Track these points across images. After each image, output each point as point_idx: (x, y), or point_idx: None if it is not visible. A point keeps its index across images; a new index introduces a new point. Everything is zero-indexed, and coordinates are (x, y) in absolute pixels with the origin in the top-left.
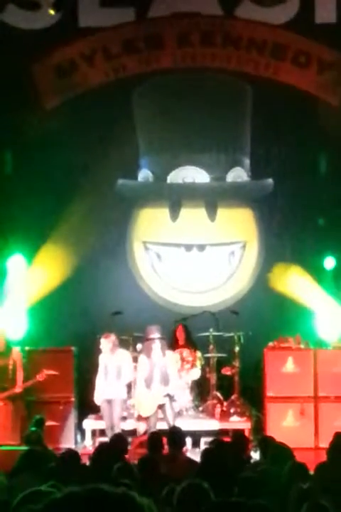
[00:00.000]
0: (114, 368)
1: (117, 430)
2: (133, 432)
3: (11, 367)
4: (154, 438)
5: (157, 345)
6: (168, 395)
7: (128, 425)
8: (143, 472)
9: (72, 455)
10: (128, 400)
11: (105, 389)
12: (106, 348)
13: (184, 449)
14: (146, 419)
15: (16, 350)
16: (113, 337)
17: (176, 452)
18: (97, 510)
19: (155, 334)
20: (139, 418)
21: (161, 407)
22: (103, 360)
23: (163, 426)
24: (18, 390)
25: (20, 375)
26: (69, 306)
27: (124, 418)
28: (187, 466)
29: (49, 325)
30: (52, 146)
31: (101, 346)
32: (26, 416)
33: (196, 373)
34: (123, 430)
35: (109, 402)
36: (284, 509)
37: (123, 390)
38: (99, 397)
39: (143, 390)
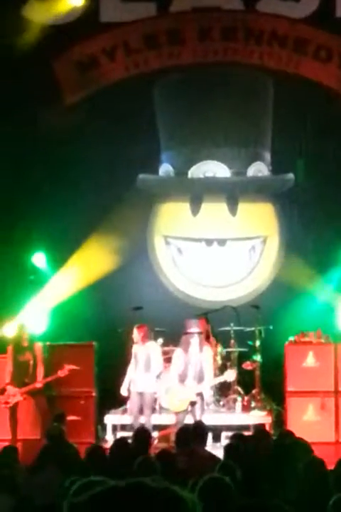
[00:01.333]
0: (143, 359)
1: (148, 425)
2: (159, 426)
3: (31, 362)
4: (182, 433)
5: (195, 340)
6: (200, 394)
7: (155, 419)
8: (161, 466)
9: (97, 450)
10: (156, 395)
11: (135, 380)
12: (137, 339)
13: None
14: (176, 413)
15: (38, 345)
16: (145, 328)
17: (198, 447)
18: (140, 504)
19: (193, 328)
20: (168, 411)
21: (192, 404)
22: (134, 350)
23: (190, 421)
24: (38, 385)
25: (40, 370)
26: (90, 301)
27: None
28: (209, 462)
29: (70, 320)
30: (73, 141)
31: (133, 336)
32: (47, 411)
33: (231, 375)
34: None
35: (140, 394)
36: (302, 504)
37: (154, 382)
38: (124, 388)
39: (176, 385)
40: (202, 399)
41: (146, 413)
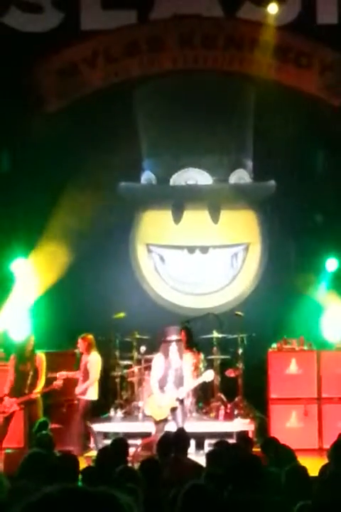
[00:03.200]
0: (83, 369)
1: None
2: (142, 434)
3: (31, 373)
4: (164, 441)
5: (174, 348)
6: (181, 400)
7: (138, 427)
8: (145, 475)
9: (70, 458)
10: (140, 402)
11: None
12: (81, 349)
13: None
14: (156, 422)
15: (39, 356)
16: (89, 338)
17: (180, 456)
18: (75, 510)
19: (173, 336)
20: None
21: (173, 410)
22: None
23: (172, 428)
24: (33, 396)
25: (40, 381)
26: (72, 309)
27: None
28: (192, 470)
29: (52, 328)
30: (55, 148)
31: (78, 346)
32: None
33: (209, 375)
34: (127, 433)
35: (79, 400)
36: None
37: (86, 390)
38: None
39: (157, 392)
40: (182, 404)
41: (76, 417)
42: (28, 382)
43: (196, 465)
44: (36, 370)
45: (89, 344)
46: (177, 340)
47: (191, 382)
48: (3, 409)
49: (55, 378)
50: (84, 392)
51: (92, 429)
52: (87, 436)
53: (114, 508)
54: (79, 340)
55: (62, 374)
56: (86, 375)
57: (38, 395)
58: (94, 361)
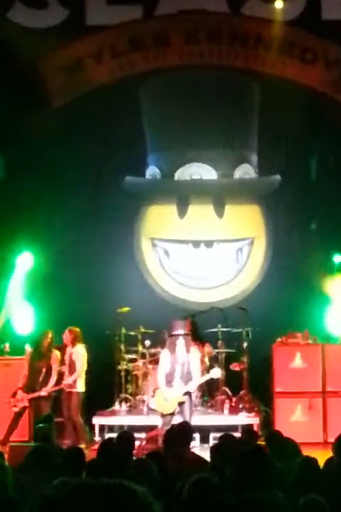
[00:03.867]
0: (68, 362)
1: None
2: (147, 427)
3: (44, 370)
4: (169, 434)
5: (181, 342)
6: (189, 393)
7: (143, 420)
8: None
9: (77, 451)
10: (145, 396)
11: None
12: (67, 341)
13: (190, 445)
14: (163, 415)
15: (55, 353)
16: (75, 331)
17: (182, 449)
18: (95, 502)
19: (179, 330)
20: (156, 412)
21: (181, 404)
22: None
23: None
24: (43, 393)
25: (52, 379)
26: (76, 303)
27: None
28: (197, 464)
29: (56, 322)
30: (60, 144)
31: (64, 338)
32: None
33: (217, 373)
34: (132, 426)
35: (68, 393)
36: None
37: (74, 382)
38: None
39: (164, 386)
40: (190, 399)
41: (71, 411)
42: (40, 379)
43: (199, 459)
44: (49, 367)
45: (75, 337)
46: (184, 335)
47: (199, 378)
48: (14, 404)
49: (63, 373)
50: (73, 385)
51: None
52: (91, 429)
53: (131, 498)
54: (66, 332)
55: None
56: (72, 367)
57: (47, 393)
58: (79, 353)
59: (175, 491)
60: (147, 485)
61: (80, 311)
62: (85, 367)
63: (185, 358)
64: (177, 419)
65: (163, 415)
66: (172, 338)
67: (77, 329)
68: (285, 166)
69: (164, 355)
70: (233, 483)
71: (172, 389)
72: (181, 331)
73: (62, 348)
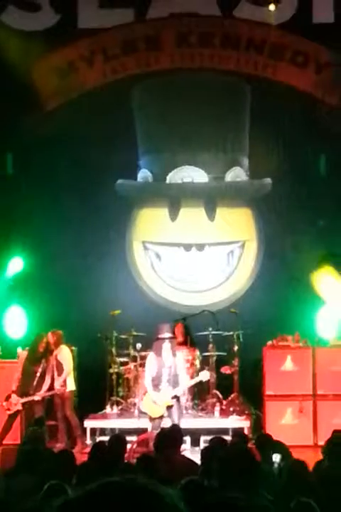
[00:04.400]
0: (55, 364)
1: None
2: (138, 430)
3: (38, 374)
4: (160, 437)
5: (167, 345)
6: (176, 397)
7: (134, 423)
8: (141, 471)
9: (67, 455)
10: (136, 399)
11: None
12: (51, 342)
13: (181, 448)
14: (152, 419)
15: (51, 358)
16: (58, 333)
17: (173, 452)
18: (123, 503)
19: (165, 333)
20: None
21: (169, 408)
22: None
23: (167, 424)
24: (36, 397)
25: (46, 383)
26: (68, 306)
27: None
28: (185, 466)
29: (49, 325)
30: (52, 147)
31: (49, 340)
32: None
33: (205, 375)
34: (123, 429)
35: (57, 395)
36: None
37: (65, 382)
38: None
39: (152, 390)
40: (179, 402)
41: (67, 413)
42: (34, 383)
43: (189, 462)
44: (43, 371)
45: (58, 338)
46: (170, 338)
47: (188, 381)
48: (8, 407)
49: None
50: (63, 385)
51: (77, 421)
52: (83, 432)
53: (160, 501)
54: (49, 335)
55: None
56: (60, 369)
57: (41, 398)
58: (65, 353)
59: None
60: None
61: (72, 314)
62: (72, 365)
63: (172, 362)
64: (166, 423)
65: (151, 419)
66: (158, 342)
67: (60, 331)
68: (277, 169)
69: (150, 358)
70: (219, 485)
71: (160, 392)
72: (167, 335)
73: (46, 352)
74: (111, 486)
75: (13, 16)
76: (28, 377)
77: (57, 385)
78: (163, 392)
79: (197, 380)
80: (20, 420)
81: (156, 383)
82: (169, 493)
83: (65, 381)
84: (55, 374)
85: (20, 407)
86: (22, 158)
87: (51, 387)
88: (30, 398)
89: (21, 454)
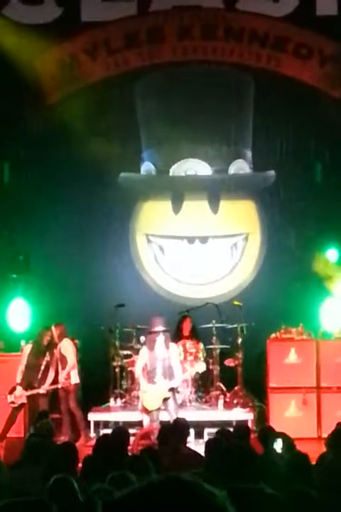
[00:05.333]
0: (58, 357)
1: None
2: (138, 424)
3: (42, 367)
4: (164, 430)
5: (160, 338)
6: (172, 389)
7: (134, 416)
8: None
9: (69, 448)
10: (134, 391)
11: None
12: (54, 336)
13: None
14: (149, 412)
15: (55, 351)
16: (61, 327)
17: (179, 444)
18: (179, 501)
19: (159, 327)
20: (143, 410)
21: (165, 400)
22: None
23: (165, 417)
24: (42, 390)
25: (50, 376)
26: (72, 299)
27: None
28: (191, 459)
29: (53, 318)
30: (55, 140)
31: (53, 334)
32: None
33: (201, 366)
34: (127, 422)
35: (62, 388)
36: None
37: (69, 375)
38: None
39: (146, 383)
40: (174, 394)
41: (72, 406)
42: (39, 376)
43: (195, 454)
44: (48, 364)
45: (61, 332)
46: (164, 331)
47: (182, 375)
48: (13, 400)
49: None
50: (68, 378)
51: (81, 414)
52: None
53: (212, 500)
54: (53, 328)
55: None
56: (64, 362)
57: (45, 391)
58: (67, 346)
59: None
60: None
61: (75, 307)
62: (75, 358)
63: (165, 354)
64: (162, 415)
65: (147, 412)
66: (151, 335)
67: (63, 324)
68: (280, 162)
69: (142, 352)
70: (222, 477)
71: (155, 385)
72: (161, 328)
73: (51, 346)
74: (170, 483)
75: (16, 9)
76: (33, 371)
77: (61, 378)
78: (159, 385)
79: (193, 372)
80: (24, 413)
81: (151, 376)
82: (219, 494)
83: (68, 374)
84: (59, 367)
85: (24, 400)
86: (24, 150)
87: (55, 381)
88: (34, 391)
89: (28, 446)
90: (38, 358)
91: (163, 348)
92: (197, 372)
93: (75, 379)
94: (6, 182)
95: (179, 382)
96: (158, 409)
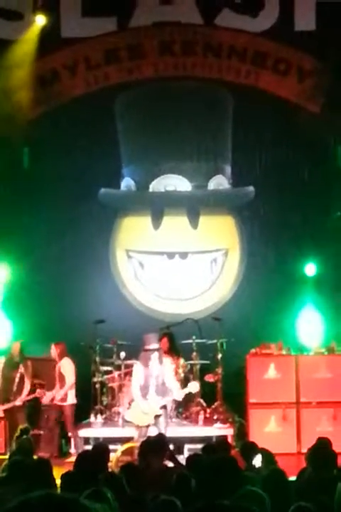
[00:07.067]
0: (57, 375)
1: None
2: (122, 439)
3: (17, 379)
4: (145, 446)
5: (155, 356)
6: (164, 406)
7: (118, 432)
8: (126, 479)
9: (44, 462)
10: (120, 408)
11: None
12: (54, 355)
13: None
14: (138, 427)
15: (28, 363)
16: (61, 345)
17: (155, 460)
18: None
19: (153, 344)
20: (131, 424)
21: (156, 417)
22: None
23: (154, 433)
24: (18, 403)
25: (26, 388)
26: (52, 315)
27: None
28: (160, 475)
29: (32, 333)
30: (35, 155)
31: (51, 352)
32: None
33: (195, 387)
34: (107, 438)
35: (60, 407)
36: None
37: (66, 395)
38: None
39: (139, 399)
40: (166, 411)
41: (68, 426)
42: (14, 388)
43: (167, 470)
44: (22, 376)
45: (61, 351)
46: (158, 349)
47: (178, 393)
48: None
49: (35, 386)
50: (64, 399)
51: (77, 433)
52: (67, 442)
53: None
54: (52, 347)
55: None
56: (62, 381)
57: (22, 403)
58: (67, 365)
59: (146, 501)
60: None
61: (55, 322)
62: (74, 378)
63: (159, 371)
64: (152, 431)
65: (138, 427)
66: (146, 353)
67: (63, 343)
68: (259, 177)
69: (137, 368)
70: (203, 492)
71: (148, 401)
72: (155, 345)
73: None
74: (29, 503)
75: None
76: (8, 384)
77: (58, 396)
78: (151, 401)
79: (186, 391)
80: (6, 430)
81: (144, 393)
82: (98, 509)
83: (66, 394)
84: (57, 386)
85: (1, 414)
86: (3, 165)
87: (32, 392)
88: (11, 404)
89: (6, 465)
90: (12, 371)
91: (157, 364)
92: (191, 393)
93: (72, 399)
94: None
95: (178, 396)
96: (148, 425)
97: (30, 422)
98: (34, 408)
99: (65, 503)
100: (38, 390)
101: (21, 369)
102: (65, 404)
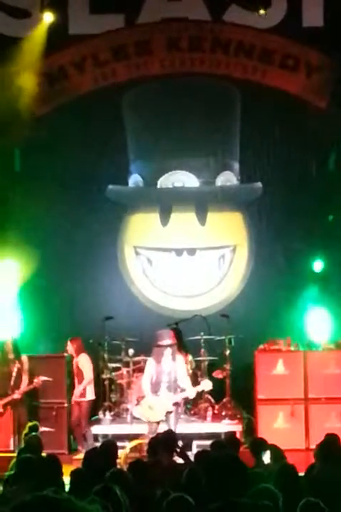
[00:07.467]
0: (76, 372)
1: (88, 433)
2: (131, 436)
3: (14, 374)
4: (154, 443)
5: (168, 352)
6: (176, 403)
7: (127, 429)
8: (133, 476)
9: (53, 460)
10: (128, 404)
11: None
12: (71, 351)
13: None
14: (150, 423)
15: (24, 357)
16: (78, 341)
17: (165, 457)
18: None
19: (166, 340)
20: (140, 421)
21: (168, 413)
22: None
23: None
24: (16, 396)
25: (24, 382)
26: (60, 312)
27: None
28: (169, 472)
29: (41, 330)
30: (43, 152)
31: (67, 349)
32: (27, 422)
33: (208, 385)
34: (116, 435)
35: (78, 404)
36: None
37: (85, 391)
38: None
39: (150, 395)
40: (177, 408)
41: (82, 422)
42: (12, 383)
43: (176, 466)
44: (19, 371)
45: (78, 346)
46: (171, 345)
47: (192, 392)
48: None
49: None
50: (83, 394)
51: (90, 430)
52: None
53: None
54: (69, 343)
55: (43, 378)
56: (80, 377)
57: (21, 395)
58: (84, 361)
59: (155, 498)
60: (123, 492)
61: (64, 319)
62: (92, 374)
63: (172, 367)
64: (162, 428)
65: (149, 423)
66: (159, 349)
67: (79, 339)
68: (267, 173)
69: (149, 364)
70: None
71: (159, 398)
72: (168, 341)
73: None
74: (24, 505)
75: (3, 23)
76: (5, 379)
77: (76, 392)
78: (162, 397)
79: (199, 389)
80: (12, 426)
81: (155, 389)
82: (86, 508)
83: (85, 389)
84: (75, 382)
85: (0, 409)
86: (13, 162)
87: (30, 383)
88: (9, 398)
89: (18, 461)
90: (8, 368)
91: (170, 361)
92: (204, 390)
93: (91, 395)
94: None
95: (190, 393)
96: (158, 421)
97: (36, 418)
98: (33, 400)
99: (59, 504)
100: (35, 380)
101: (18, 364)
102: (83, 399)
